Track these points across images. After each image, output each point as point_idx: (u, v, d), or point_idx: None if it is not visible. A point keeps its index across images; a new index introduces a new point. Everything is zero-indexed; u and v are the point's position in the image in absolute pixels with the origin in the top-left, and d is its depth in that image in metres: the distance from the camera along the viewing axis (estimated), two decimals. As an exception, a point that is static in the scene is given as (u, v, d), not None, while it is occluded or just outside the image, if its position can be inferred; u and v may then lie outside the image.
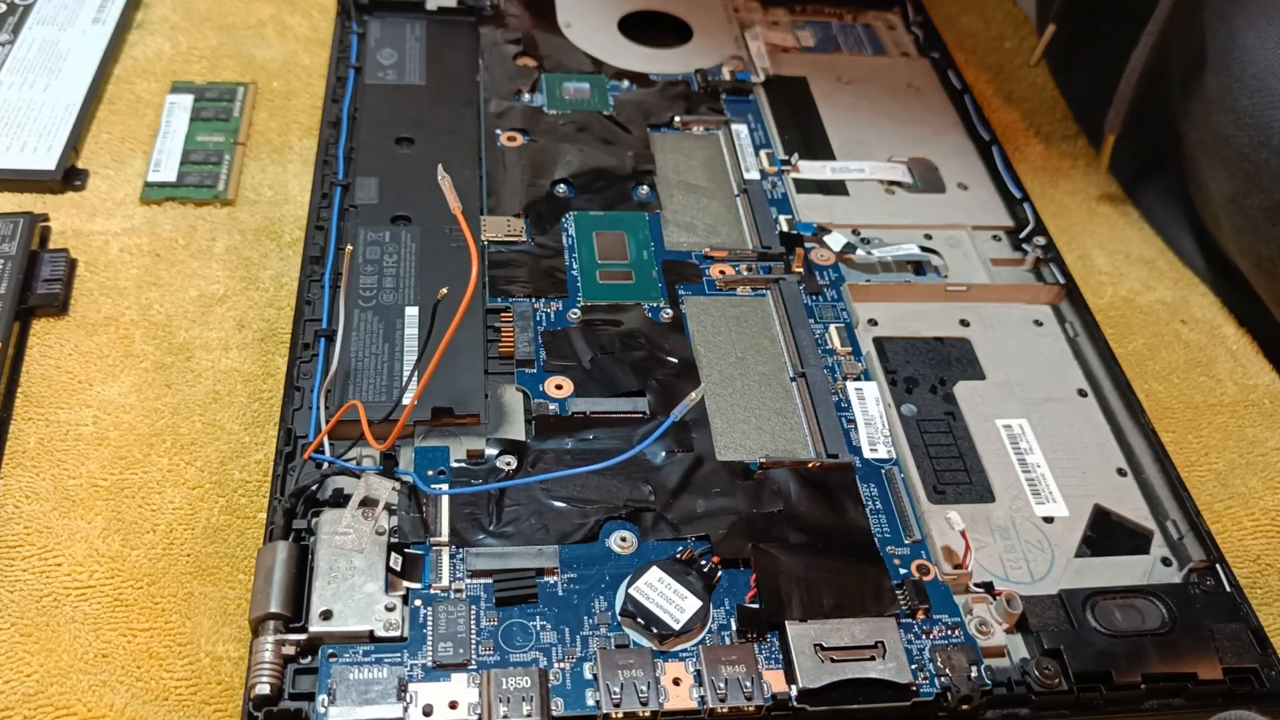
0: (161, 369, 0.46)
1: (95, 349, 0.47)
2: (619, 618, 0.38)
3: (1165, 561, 0.43)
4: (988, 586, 0.41)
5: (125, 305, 0.49)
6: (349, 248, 0.44)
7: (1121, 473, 0.46)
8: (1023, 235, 0.55)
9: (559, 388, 0.45)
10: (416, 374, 0.43)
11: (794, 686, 0.37)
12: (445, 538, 0.40)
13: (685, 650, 0.38)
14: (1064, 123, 0.66)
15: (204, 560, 0.41)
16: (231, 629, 0.39)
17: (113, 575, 0.40)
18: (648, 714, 0.36)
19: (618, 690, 0.36)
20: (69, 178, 0.54)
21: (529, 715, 0.35)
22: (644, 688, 0.36)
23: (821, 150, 0.59)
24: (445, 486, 0.41)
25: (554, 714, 0.35)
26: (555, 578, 0.39)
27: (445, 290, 0.40)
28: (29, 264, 0.48)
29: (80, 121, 0.56)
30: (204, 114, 0.58)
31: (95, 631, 0.38)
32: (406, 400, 0.42)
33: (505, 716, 0.35)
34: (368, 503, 0.40)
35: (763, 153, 0.58)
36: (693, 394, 0.41)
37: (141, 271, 0.50)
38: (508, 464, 0.42)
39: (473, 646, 0.37)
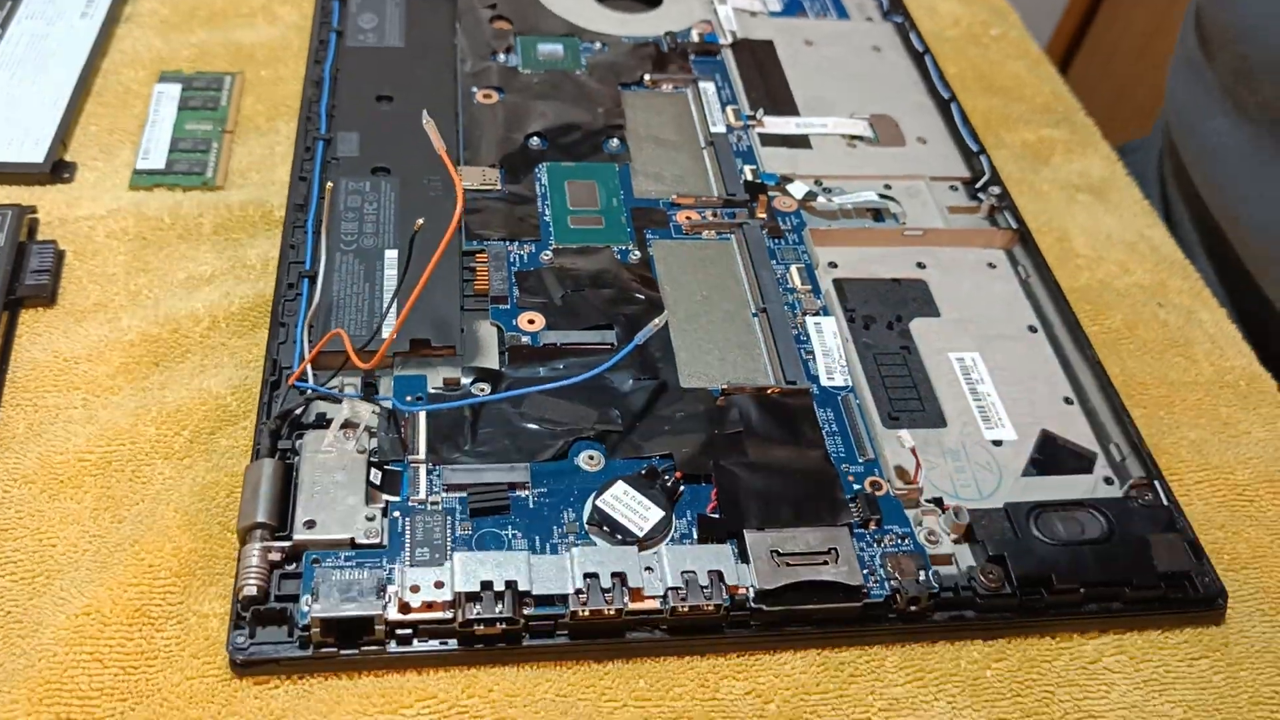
0: (150, 348, 0.47)
1: (84, 334, 0.48)
2: (586, 526, 0.41)
3: (1108, 480, 0.45)
4: (937, 502, 0.44)
5: (114, 291, 0.50)
6: (329, 185, 0.46)
7: (1068, 401, 0.48)
8: (978, 185, 0.58)
9: (531, 322, 0.47)
10: (397, 302, 0.45)
11: (751, 588, 0.39)
12: (423, 455, 0.42)
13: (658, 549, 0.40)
14: (1045, 112, 0.68)
15: (193, 518, 0.41)
16: (219, 587, 0.40)
17: (102, 544, 0.41)
18: (613, 612, 0.38)
19: (593, 576, 0.38)
20: (57, 170, 0.54)
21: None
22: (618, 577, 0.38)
23: (786, 108, 0.62)
24: (422, 404, 0.43)
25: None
26: (526, 492, 0.41)
27: (422, 221, 0.42)
28: (17, 256, 0.49)
29: (68, 114, 0.57)
30: (191, 103, 0.59)
31: (82, 594, 0.39)
32: (386, 333, 0.44)
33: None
34: (349, 425, 0.42)
35: (729, 109, 0.60)
36: (656, 320, 0.43)
37: (130, 258, 0.51)
38: (482, 390, 0.45)
39: (448, 552, 0.39)
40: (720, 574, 0.39)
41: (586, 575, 0.38)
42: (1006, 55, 0.72)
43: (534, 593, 0.38)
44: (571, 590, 0.38)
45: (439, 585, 0.37)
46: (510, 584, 0.38)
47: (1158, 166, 0.68)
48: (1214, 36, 0.59)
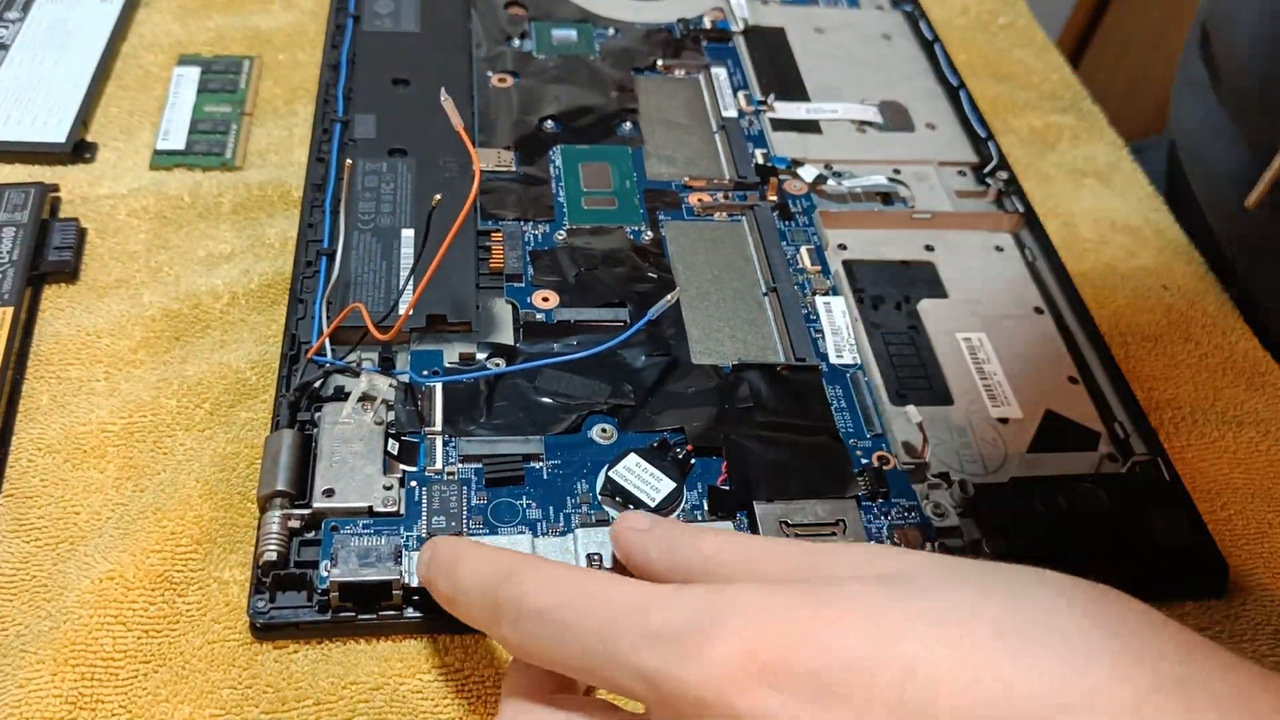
0: (171, 323, 0.48)
1: (106, 310, 0.48)
2: (599, 496, 0.41)
3: (1111, 458, 0.46)
4: (944, 477, 0.44)
5: (135, 268, 0.50)
6: (349, 162, 0.47)
7: (1073, 380, 0.49)
8: (986, 170, 0.58)
9: (545, 300, 0.48)
10: (413, 279, 0.46)
11: (761, 558, 0.40)
12: (439, 427, 0.43)
13: (660, 525, 0.41)
14: (1051, 99, 0.69)
15: (213, 487, 0.42)
16: (239, 555, 0.41)
17: (125, 511, 0.41)
18: (625, 579, 0.39)
19: (597, 557, 0.39)
20: (79, 150, 0.55)
21: None
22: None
23: (797, 94, 0.62)
24: (438, 377, 0.44)
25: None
26: (540, 463, 0.42)
27: (440, 196, 0.43)
28: (40, 233, 0.50)
29: (89, 95, 0.58)
30: (210, 85, 0.60)
31: (106, 559, 0.40)
32: (403, 309, 0.45)
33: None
34: (367, 397, 0.43)
35: (740, 94, 0.61)
36: (669, 295, 0.44)
37: (150, 236, 0.52)
38: (497, 364, 0.45)
39: (464, 520, 0.40)
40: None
41: (590, 555, 0.39)
42: (1014, 43, 0.72)
43: None
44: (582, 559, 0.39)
45: None
46: None
47: (1166, 171, 0.68)
48: (1220, 61, 0.58)
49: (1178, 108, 0.64)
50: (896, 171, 0.58)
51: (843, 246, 0.54)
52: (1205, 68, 0.60)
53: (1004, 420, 0.47)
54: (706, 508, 0.42)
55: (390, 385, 0.43)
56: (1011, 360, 0.49)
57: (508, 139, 0.56)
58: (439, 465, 0.42)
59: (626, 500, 0.41)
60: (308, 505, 0.40)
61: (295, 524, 0.39)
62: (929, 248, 0.54)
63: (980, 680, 0.23)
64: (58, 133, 0.56)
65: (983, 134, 0.60)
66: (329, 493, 0.40)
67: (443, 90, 0.43)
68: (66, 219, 0.51)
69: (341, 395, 0.44)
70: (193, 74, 0.60)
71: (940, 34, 0.68)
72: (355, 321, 0.44)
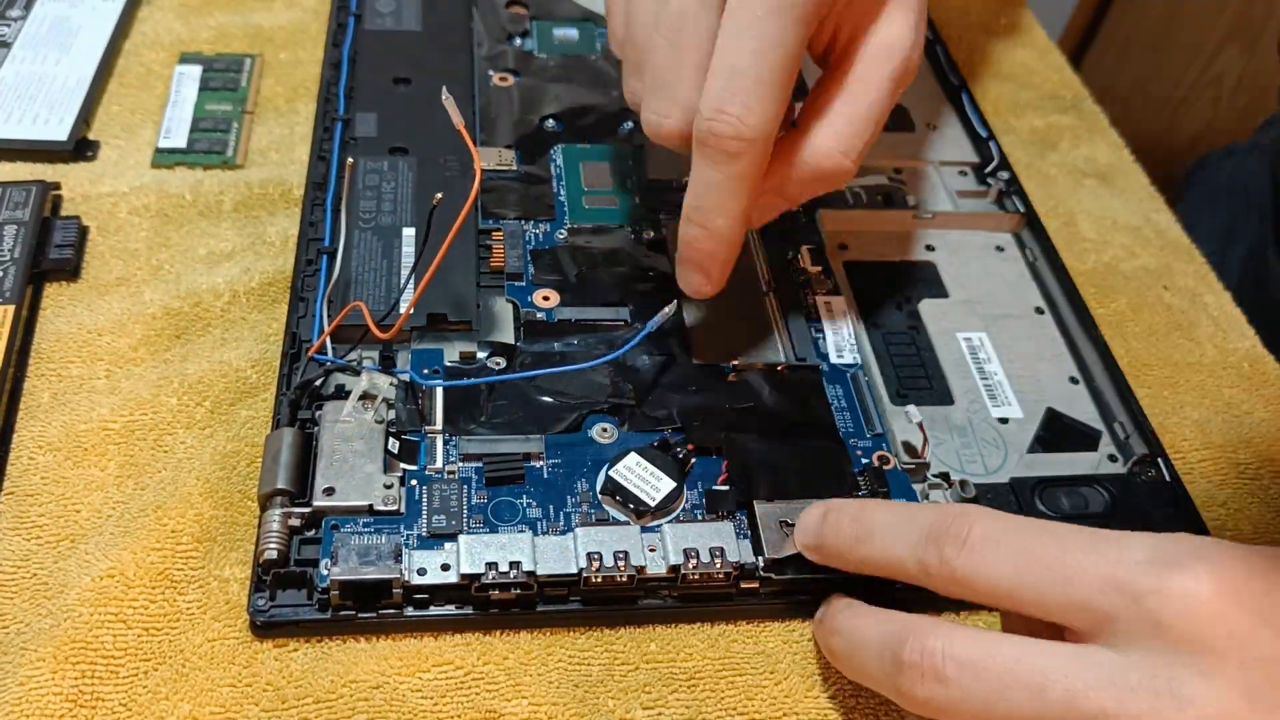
0: (171, 321, 0.48)
1: (106, 308, 0.48)
2: (599, 495, 0.41)
3: (1112, 458, 0.46)
4: (944, 477, 0.44)
5: (136, 266, 0.50)
6: (350, 161, 0.47)
7: (1074, 380, 0.49)
8: (987, 170, 0.58)
9: (546, 299, 0.48)
10: (414, 277, 0.46)
11: (760, 557, 0.40)
12: (439, 426, 0.43)
13: (660, 525, 0.41)
14: (1053, 99, 0.69)
15: (214, 485, 0.42)
16: (239, 553, 0.41)
17: (125, 509, 0.42)
18: (625, 579, 0.39)
19: (597, 556, 0.39)
20: (80, 148, 0.55)
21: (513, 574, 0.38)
22: (621, 556, 0.39)
23: (797, 94, 0.62)
24: (439, 379, 0.44)
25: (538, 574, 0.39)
26: (541, 462, 0.42)
27: (440, 195, 0.43)
28: (41, 231, 0.50)
29: (91, 94, 0.58)
30: (212, 84, 0.60)
31: (106, 557, 0.40)
32: (403, 307, 0.45)
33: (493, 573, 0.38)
34: (367, 396, 0.43)
35: (742, 93, 0.61)
36: (667, 309, 0.44)
37: (151, 234, 0.52)
38: (497, 364, 0.46)
39: (464, 519, 0.40)
40: (722, 550, 0.40)
41: (590, 554, 0.39)
42: (1016, 44, 0.73)
43: (539, 573, 0.38)
44: (575, 570, 0.39)
45: (445, 568, 0.38)
46: (515, 564, 0.38)
47: (1272, 172, 0.66)
48: None
49: None
50: (897, 171, 0.58)
51: (843, 246, 0.54)
52: None
53: (1004, 420, 0.47)
54: (706, 507, 0.42)
55: (391, 384, 0.44)
56: (1012, 360, 0.49)
57: (509, 138, 0.56)
58: (439, 464, 0.42)
59: (627, 499, 0.41)
60: (308, 503, 0.40)
61: (296, 522, 0.39)
62: (930, 247, 0.54)
63: None
64: (59, 131, 0.56)
65: (984, 134, 0.60)
66: (329, 491, 0.40)
67: (444, 89, 0.43)
68: (68, 217, 0.51)
69: (342, 394, 0.44)
70: (194, 72, 0.60)
71: (941, 34, 0.68)
72: (356, 320, 0.44)
